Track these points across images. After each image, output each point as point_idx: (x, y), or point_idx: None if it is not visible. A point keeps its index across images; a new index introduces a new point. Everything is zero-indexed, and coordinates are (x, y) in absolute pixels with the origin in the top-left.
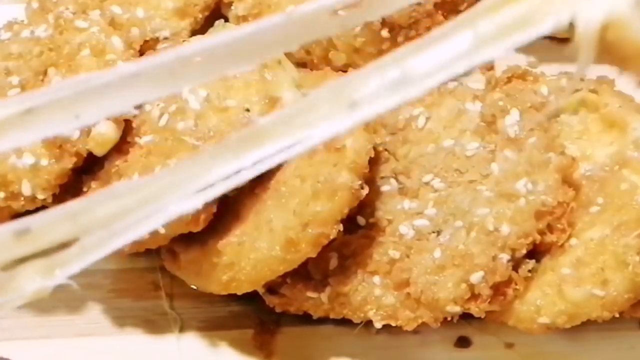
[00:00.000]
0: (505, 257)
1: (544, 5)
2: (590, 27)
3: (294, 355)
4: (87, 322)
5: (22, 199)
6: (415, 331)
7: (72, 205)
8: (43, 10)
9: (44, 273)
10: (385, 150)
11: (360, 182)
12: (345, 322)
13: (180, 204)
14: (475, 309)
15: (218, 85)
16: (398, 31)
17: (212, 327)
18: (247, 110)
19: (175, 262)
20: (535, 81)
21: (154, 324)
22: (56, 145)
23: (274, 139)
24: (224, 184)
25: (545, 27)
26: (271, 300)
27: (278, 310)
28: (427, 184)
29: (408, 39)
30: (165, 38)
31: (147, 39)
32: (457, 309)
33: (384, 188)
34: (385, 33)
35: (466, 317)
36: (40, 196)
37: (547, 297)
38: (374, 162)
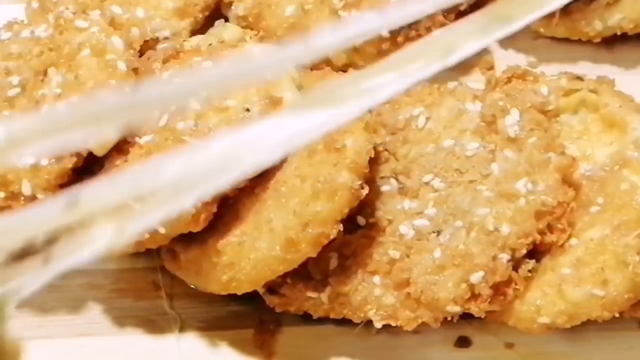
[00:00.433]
0: (505, 257)
1: None
2: None
3: (294, 355)
4: (87, 322)
5: (22, 198)
6: (415, 331)
7: (124, 174)
8: (43, 10)
9: (115, 228)
10: (385, 150)
11: (360, 182)
12: (345, 322)
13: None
14: (475, 309)
15: None
16: (398, 31)
17: (212, 327)
18: (247, 110)
19: (175, 262)
20: (535, 81)
21: (154, 324)
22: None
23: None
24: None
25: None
26: (271, 300)
27: (278, 310)
28: (427, 184)
29: (408, 39)
30: (166, 38)
31: (147, 39)
32: (457, 309)
33: (384, 188)
34: (385, 33)
35: (466, 317)
36: (41, 196)
37: (547, 297)
38: (374, 162)
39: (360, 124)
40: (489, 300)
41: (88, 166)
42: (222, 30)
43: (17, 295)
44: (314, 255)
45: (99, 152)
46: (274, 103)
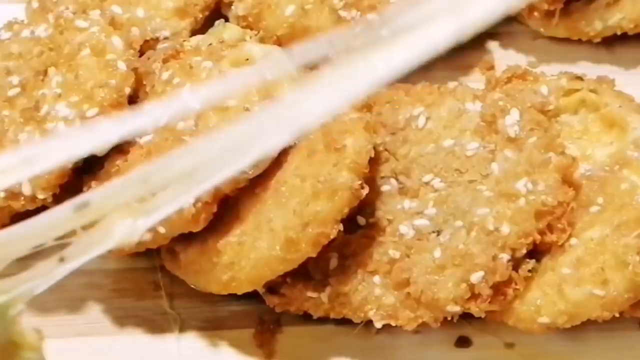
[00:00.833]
0: (505, 257)
1: None
2: None
3: (294, 355)
4: (87, 322)
5: (22, 198)
6: (415, 331)
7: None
8: (43, 10)
9: (131, 220)
10: (385, 150)
11: (360, 182)
12: (345, 322)
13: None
14: (475, 308)
15: None
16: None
17: (212, 327)
18: (247, 109)
19: (175, 261)
20: (535, 81)
21: (154, 324)
22: None
23: None
24: None
25: None
26: (271, 300)
27: (278, 310)
28: (427, 183)
29: None
30: (166, 38)
31: (147, 38)
32: (457, 308)
33: (384, 188)
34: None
35: (466, 317)
36: (41, 196)
37: (547, 297)
38: (374, 162)
39: (360, 123)
40: (489, 300)
41: (88, 166)
42: (222, 30)
43: (31, 294)
44: (314, 255)
45: (99, 151)
46: None
